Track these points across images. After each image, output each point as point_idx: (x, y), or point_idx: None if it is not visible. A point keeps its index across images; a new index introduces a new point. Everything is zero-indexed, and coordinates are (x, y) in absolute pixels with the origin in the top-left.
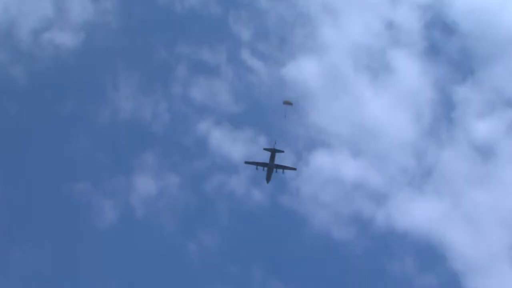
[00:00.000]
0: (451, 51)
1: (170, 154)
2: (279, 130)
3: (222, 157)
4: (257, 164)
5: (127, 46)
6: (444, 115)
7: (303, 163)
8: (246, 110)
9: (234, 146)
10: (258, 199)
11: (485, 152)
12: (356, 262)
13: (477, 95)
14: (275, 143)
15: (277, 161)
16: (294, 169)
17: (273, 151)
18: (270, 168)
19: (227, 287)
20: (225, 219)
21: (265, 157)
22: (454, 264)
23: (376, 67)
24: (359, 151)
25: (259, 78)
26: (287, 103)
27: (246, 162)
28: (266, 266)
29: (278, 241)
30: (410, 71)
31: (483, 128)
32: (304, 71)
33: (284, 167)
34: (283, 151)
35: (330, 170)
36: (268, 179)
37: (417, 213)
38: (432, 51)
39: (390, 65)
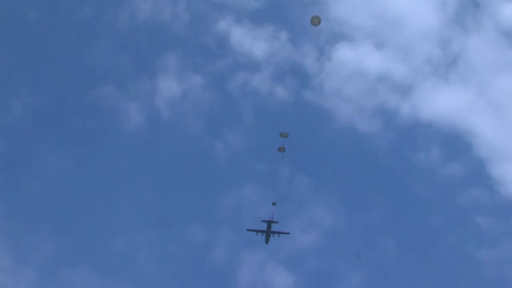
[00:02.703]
0: None
1: (192, 55)
2: (300, 24)
3: (244, 55)
4: (257, 231)
5: None
6: (469, 1)
7: (326, 58)
8: (266, 6)
9: (256, 43)
10: (282, 96)
11: None
12: (382, 155)
13: None
14: (272, 217)
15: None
16: (288, 233)
17: (269, 222)
18: (268, 234)
19: (255, 184)
20: (250, 117)
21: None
22: (479, 151)
23: None
24: (382, 42)
25: None
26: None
27: (248, 230)
28: (292, 162)
29: (303, 137)
30: None
31: (510, 12)
32: None
33: (279, 233)
34: (277, 222)
35: (353, 63)
36: (266, 241)
37: (443, 102)
38: None
39: None
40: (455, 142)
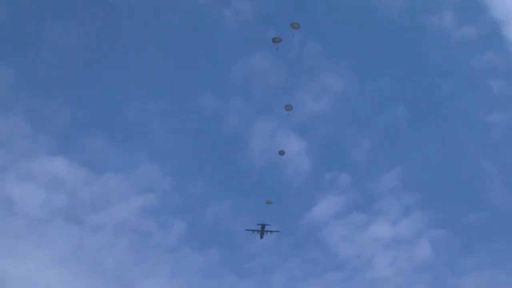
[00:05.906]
0: None
1: None
2: None
3: None
4: (253, 230)
5: None
6: None
7: None
8: None
9: None
10: None
11: None
12: (394, 20)
13: None
14: (264, 221)
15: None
16: (278, 231)
17: (263, 225)
18: (262, 232)
19: (266, 52)
20: None
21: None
22: (495, 13)
23: None
24: None
25: None
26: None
27: (246, 230)
28: (303, 29)
29: (314, 3)
30: None
31: None
32: None
33: (271, 231)
34: (269, 224)
35: None
36: (261, 237)
37: None
38: None
39: None
40: (470, 4)
